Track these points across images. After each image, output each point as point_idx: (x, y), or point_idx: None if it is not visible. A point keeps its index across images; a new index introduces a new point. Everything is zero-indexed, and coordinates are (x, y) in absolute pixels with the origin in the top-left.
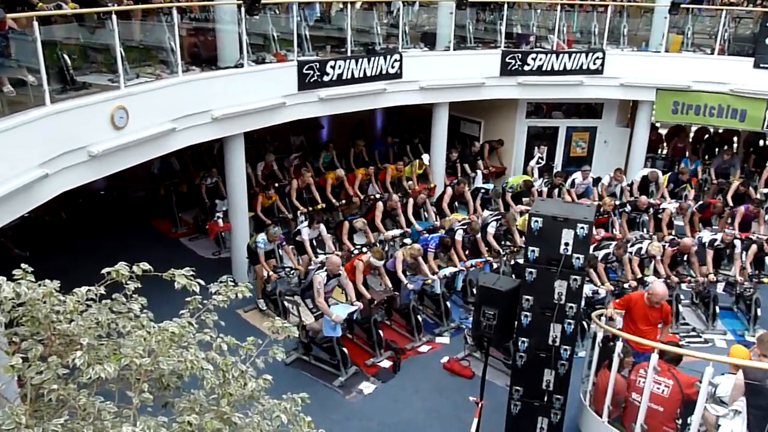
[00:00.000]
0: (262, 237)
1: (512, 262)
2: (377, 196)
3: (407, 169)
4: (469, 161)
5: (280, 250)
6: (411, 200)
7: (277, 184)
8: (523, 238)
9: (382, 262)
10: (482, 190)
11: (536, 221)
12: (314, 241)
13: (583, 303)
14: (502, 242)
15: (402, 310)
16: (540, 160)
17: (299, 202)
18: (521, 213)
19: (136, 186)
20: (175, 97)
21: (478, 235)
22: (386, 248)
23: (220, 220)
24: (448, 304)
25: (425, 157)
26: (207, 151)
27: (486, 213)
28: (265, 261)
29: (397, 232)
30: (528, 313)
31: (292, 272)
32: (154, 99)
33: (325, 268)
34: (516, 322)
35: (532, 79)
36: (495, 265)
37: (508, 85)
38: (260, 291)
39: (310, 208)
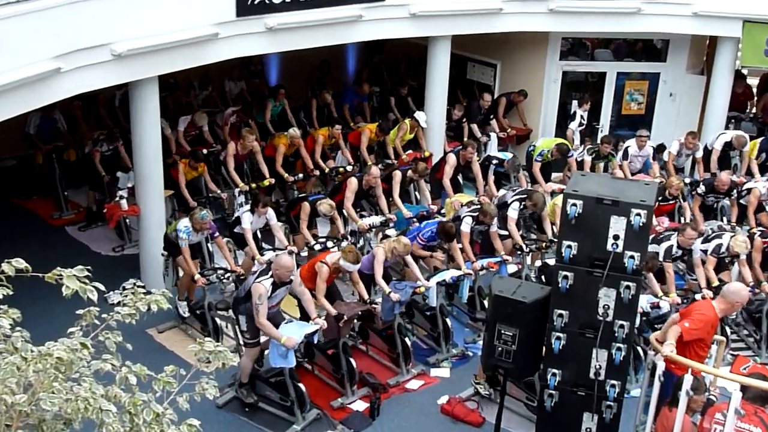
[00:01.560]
0: (185, 224)
1: (539, 262)
2: (348, 168)
3: (392, 132)
4: (479, 120)
5: (210, 244)
6: (397, 174)
7: (206, 151)
8: (555, 229)
9: (356, 265)
10: (495, 161)
11: (574, 205)
12: (259, 233)
13: (638, 320)
14: (525, 234)
15: (383, 330)
16: (582, 121)
17: (238, 176)
18: (552, 194)
19: (2, 152)
20: (59, 24)
21: (493, 225)
22: (361, 243)
23: (124, 202)
24: (449, 321)
25: (419, 116)
26: (105, 103)
27: (503, 192)
28: (191, 259)
29: (376, 219)
30: (561, 335)
31: (226, 276)
32: (27, 26)
33: (270, 272)
34: (544, 347)
35: (569, 4)
36: (515, 267)
37: (536, 13)
38: (182, 293)
39: (254, 185)
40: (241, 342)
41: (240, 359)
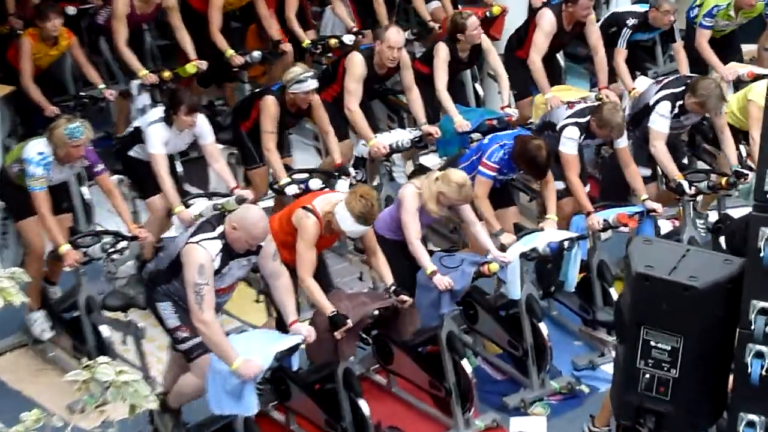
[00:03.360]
0: (38, 150)
1: (714, 213)
2: (347, 39)
3: None
4: None
5: (86, 187)
6: (441, 49)
7: (72, 8)
8: (746, 150)
9: (367, 225)
10: (631, 22)
11: None
12: (179, 164)
13: None
14: (686, 163)
15: (420, 346)
16: None
17: (135, 57)
18: (738, 83)
19: None
20: None
21: (621, 141)
22: (377, 181)
23: None
24: (545, 329)
25: None
26: None
27: (643, 81)
28: (51, 216)
29: (403, 135)
30: (764, 348)
31: (119, 247)
32: None
33: (219, 229)
34: (731, 374)
35: None
36: (669, 224)
37: None
38: (36, 296)
39: (167, 73)
40: (177, 347)
41: (167, 378)
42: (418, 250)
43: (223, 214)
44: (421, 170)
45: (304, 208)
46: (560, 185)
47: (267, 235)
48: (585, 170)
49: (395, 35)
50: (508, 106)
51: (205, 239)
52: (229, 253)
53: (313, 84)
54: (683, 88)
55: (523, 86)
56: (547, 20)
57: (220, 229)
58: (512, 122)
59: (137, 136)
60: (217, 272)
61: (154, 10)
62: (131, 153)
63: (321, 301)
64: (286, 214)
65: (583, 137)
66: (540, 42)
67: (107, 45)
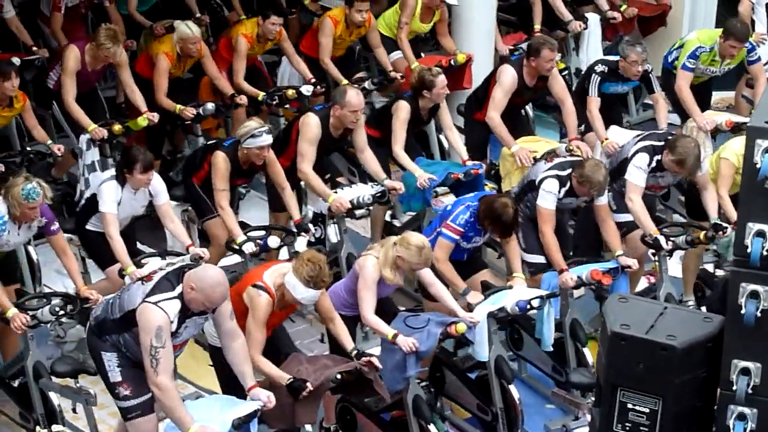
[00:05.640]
0: None
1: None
2: (305, 91)
3: (387, 15)
4: None
5: (32, 247)
6: (401, 106)
7: (17, 60)
8: (727, 205)
9: (316, 292)
10: (599, 69)
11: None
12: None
13: None
14: (663, 216)
15: (385, 410)
16: None
17: (83, 112)
18: (715, 133)
19: None
20: None
21: (601, 197)
22: (334, 239)
23: None
24: (515, 392)
25: None
26: None
27: (616, 132)
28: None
29: (363, 191)
30: (747, 410)
31: (69, 309)
32: None
33: (178, 289)
34: None
35: None
36: (645, 280)
37: None
38: None
39: (117, 127)
40: (116, 402)
41: None
42: (373, 323)
43: (183, 270)
44: (376, 234)
45: (255, 285)
46: (627, 217)
47: (226, 298)
48: (564, 227)
49: (355, 98)
50: (465, 159)
51: (163, 299)
52: (185, 312)
53: (268, 139)
54: (662, 143)
55: (478, 149)
56: (507, 76)
57: (179, 289)
58: (473, 174)
59: (94, 204)
60: (173, 333)
61: (104, 67)
62: (89, 226)
63: (274, 374)
64: (237, 288)
65: (563, 192)
66: (498, 98)
67: (60, 109)
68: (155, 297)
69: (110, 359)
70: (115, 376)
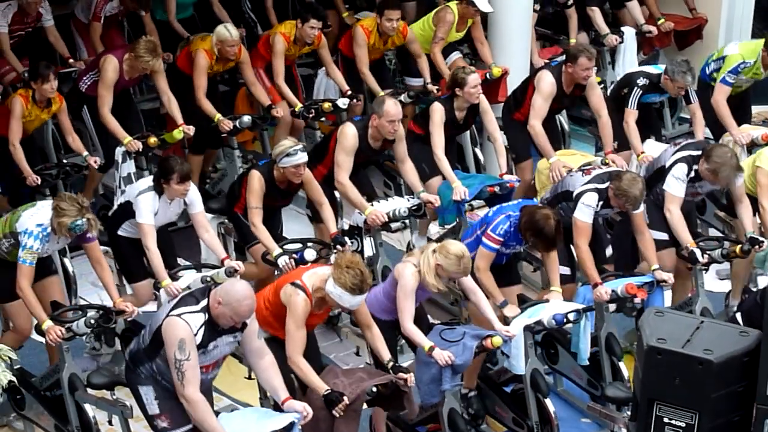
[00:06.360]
0: (39, 220)
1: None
2: (341, 103)
3: (422, 24)
4: (603, 2)
5: (68, 259)
6: (436, 111)
7: (66, 70)
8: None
9: (361, 296)
10: (641, 82)
11: None
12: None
13: None
14: (701, 230)
15: (421, 424)
16: None
17: (118, 123)
18: (752, 146)
19: None
20: None
21: (638, 208)
22: (370, 251)
23: None
24: (551, 405)
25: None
26: None
27: (653, 145)
28: (31, 292)
29: (399, 204)
30: None
31: (106, 320)
32: None
33: (203, 303)
34: None
35: None
36: (681, 294)
37: None
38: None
39: (153, 140)
40: None
41: None
42: (412, 334)
43: (209, 288)
44: (410, 248)
45: (293, 284)
46: (660, 235)
47: (253, 312)
48: (601, 239)
49: (393, 108)
50: (509, 172)
51: (186, 312)
52: (214, 329)
53: (303, 157)
54: (700, 152)
55: (523, 149)
56: (546, 83)
57: (203, 303)
58: (510, 187)
59: (128, 211)
60: (200, 347)
61: (140, 75)
62: (121, 232)
63: (313, 381)
64: (274, 288)
65: (600, 205)
66: (539, 106)
67: (89, 114)
68: (178, 310)
69: (147, 392)
70: (153, 408)
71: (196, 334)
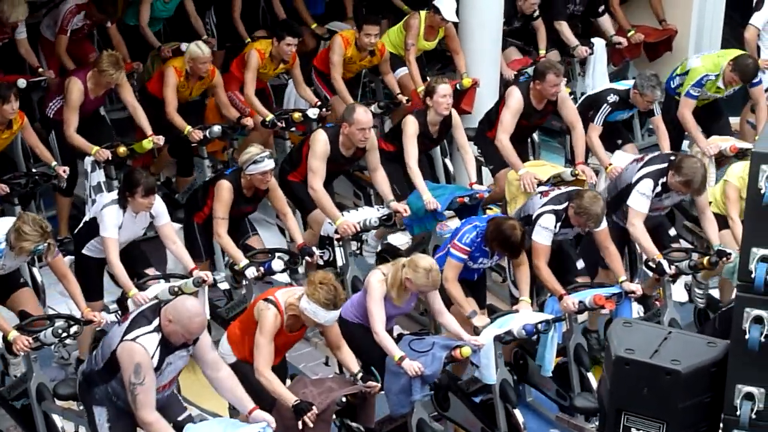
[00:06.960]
0: None
1: (701, 290)
2: (311, 113)
3: (392, 33)
4: (572, 14)
5: (37, 268)
6: (409, 123)
7: (23, 81)
8: (734, 230)
9: (335, 312)
10: (610, 98)
11: None
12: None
13: None
14: (666, 241)
15: None
16: None
17: (93, 133)
18: (719, 159)
19: None
20: None
21: (601, 225)
22: (341, 262)
23: None
24: (520, 416)
25: (442, 3)
26: None
27: (620, 157)
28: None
29: (370, 214)
30: None
31: (72, 331)
32: None
33: (155, 322)
34: None
35: None
36: (652, 304)
37: None
38: None
39: (122, 149)
40: None
41: None
42: (384, 340)
43: (159, 306)
44: (389, 249)
45: (266, 299)
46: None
47: (204, 328)
48: (566, 253)
49: (363, 116)
50: (479, 182)
51: (141, 335)
52: (166, 347)
53: (270, 164)
54: (666, 165)
55: (500, 161)
56: (514, 99)
57: (155, 322)
58: (479, 198)
59: (93, 228)
60: (156, 369)
61: (106, 92)
62: (85, 251)
63: (281, 393)
64: (247, 314)
65: (559, 226)
66: (506, 121)
67: (56, 140)
68: (133, 333)
69: (100, 414)
70: (104, 430)
71: (153, 356)
